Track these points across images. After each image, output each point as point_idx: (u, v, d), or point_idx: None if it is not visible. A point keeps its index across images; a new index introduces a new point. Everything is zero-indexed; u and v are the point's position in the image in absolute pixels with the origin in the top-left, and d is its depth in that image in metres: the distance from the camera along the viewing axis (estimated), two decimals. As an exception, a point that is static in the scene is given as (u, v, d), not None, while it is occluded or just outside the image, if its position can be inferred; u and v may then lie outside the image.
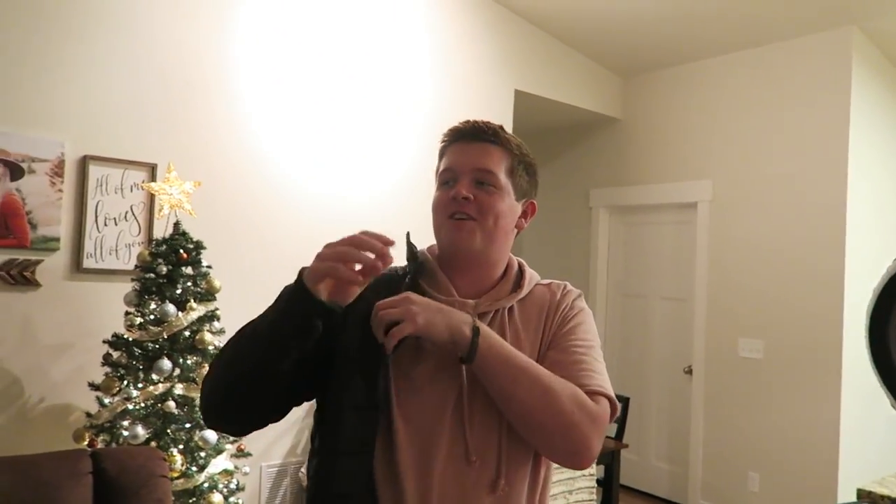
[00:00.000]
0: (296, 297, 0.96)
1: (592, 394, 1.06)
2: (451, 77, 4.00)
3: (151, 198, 2.97)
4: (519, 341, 1.12)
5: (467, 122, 1.20)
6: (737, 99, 4.31)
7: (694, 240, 4.51)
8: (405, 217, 3.82)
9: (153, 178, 2.97)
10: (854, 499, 2.68)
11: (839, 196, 3.81)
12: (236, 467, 2.73)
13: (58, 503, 1.73)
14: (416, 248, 1.20)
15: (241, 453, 2.78)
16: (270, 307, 1.02)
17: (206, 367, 2.59)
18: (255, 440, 2.86)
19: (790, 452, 3.93)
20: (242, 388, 1.01)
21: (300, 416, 3.46)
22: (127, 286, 2.85)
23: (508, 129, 4.24)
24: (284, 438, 3.41)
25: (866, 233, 3.93)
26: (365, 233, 0.98)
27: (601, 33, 4.34)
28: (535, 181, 1.23)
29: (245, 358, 1.01)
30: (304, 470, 3.36)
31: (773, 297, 4.02)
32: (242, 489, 2.78)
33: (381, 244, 0.97)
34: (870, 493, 2.21)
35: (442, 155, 1.20)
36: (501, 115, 4.22)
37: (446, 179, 1.17)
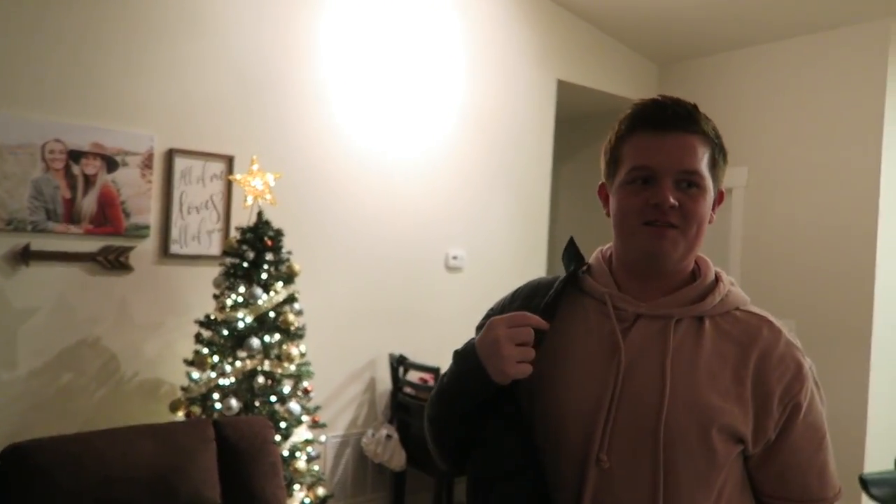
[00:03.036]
0: (481, 386, 1.01)
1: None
2: (494, 67, 4.16)
3: (229, 187, 3.19)
4: (696, 364, 0.99)
5: (656, 101, 1.03)
6: (772, 88, 4.44)
7: (728, 225, 4.67)
8: (470, 208, 4.04)
9: (231, 169, 3.18)
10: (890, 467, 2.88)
11: (872, 186, 3.96)
12: (314, 438, 2.97)
13: (191, 465, 1.97)
14: (578, 251, 1.17)
15: (316, 424, 3.03)
16: (454, 378, 1.07)
17: (291, 346, 2.83)
18: (321, 414, 3.10)
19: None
20: (451, 446, 1.11)
21: (360, 391, 3.70)
22: (208, 270, 3.10)
23: (551, 120, 4.43)
24: (347, 412, 3.65)
25: (897, 220, 4.09)
26: (525, 317, 1.00)
27: (638, 20, 4.47)
28: (725, 165, 1.06)
29: (444, 429, 1.11)
30: (364, 440, 3.61)
31: (805, 281, 4.19)
32: (318, 457, 3.03)
33: (539, 326, 1.00)
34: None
35: (622, 141, 1.05)
36: (544, 105, 4.39)
37: (637, 178, 1.01)
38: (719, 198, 1.06)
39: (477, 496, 1.04)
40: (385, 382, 3.77)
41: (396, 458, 3.50)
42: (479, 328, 1.11)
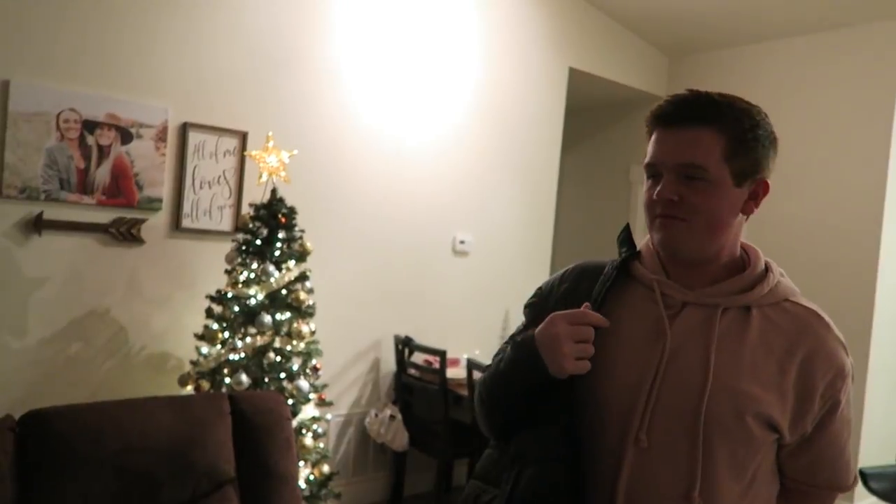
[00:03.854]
0: (537, 377, 1.03)
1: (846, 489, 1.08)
2: (507, 53, 4.15)
3: (242, 164, 3.18)
4: (740, 354, 1.01)
5: (673, 98, 1.04)
6: (781, 84, 4.45)
7: (732, 219, 4.70)
8: (477, 185, 4.04)
9: (244, 145, 3.17)
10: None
11: (878, 187, 3.99)
12: (321, 416, 2.99)
13: (208, 437, 1.98)
14: (630, 236, 1.17)
15: (322, 402, 3.04)
16: (511, 364, 1.09)
17: (301, 324, 2.84)
18: (326, 392, 3.11)
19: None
20: (500, 424, 1.14)
21: (364, 371, 3.72)
22: (218, 246, 3.10)
23: (561, 107, 4.43)
24: (350, 391, 3.67)
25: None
26: (585, 315, 1.03)
27: (651, 12, 4.47)
28: (765, 155, 1.04)
29: (495, 410, 1.14)
30: (368, 420, 3.63)
31: (807, 279, 4.20)
32: (324, 435, 3.05)
33: (599, 324, 1.03)
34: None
35: (649, 140, 1.06)
36: (555, 93, 4.39)
37: (650, 174, 1.05)
38: (762, 189, 1.05)
39: (511, 469, 1.06)
40: (389, 363, 3.79)
41: (399, 438, 3.53)
42: (527, 306, 1.15)
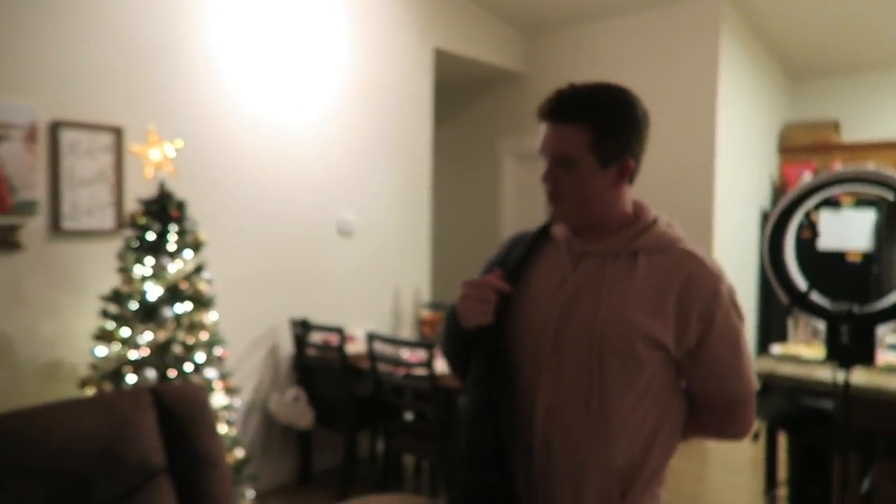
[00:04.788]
0: (459, 334, 1.33)
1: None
2: (374, 35, 4.28)
3: (120, 159, 3.10)
4: (628, 290, 1.22)
5: (551, 96, 1.24)
6: (626, 57, 4.92)
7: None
8: (340, 165, 4.15)
9: (121, 140, 3.10)
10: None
11: (709, 147, 4.56)
12: (230, 404, 3.03)
13: (137, 434, 2.01)
14: None
15: (230, 390, 3.09)
16: (446, 324, 1.40)
17: (203, 315, 2.87)
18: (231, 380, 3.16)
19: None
20: (465, 373, 1.40)
21: (263, 356, 3.78)
22: (104, 245, 3.05)
23: (429, 87, 4.62)
24: (251, 378, 3.71)
25: (731, 178, 4.73)
26: (488, 282, 1.29)
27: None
28: (627, 140, 1.24)
29: (453, 362, 1.45)
30: (272, 404, 3.70)
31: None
32: (234, 422, 3.11)
33: (503, 289, 1.29)
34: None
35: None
36: (422, 73, 4.58)
37: (541, 155, 1.28)
38: (626, 168, 1.25)
39: (460, 433, 1.32)
40: (287, 347, 3.87)
41: (305, 418, 3.64)
42: (481, 274, 1.40)
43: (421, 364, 3.25)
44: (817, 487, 2.94)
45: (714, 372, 1.27)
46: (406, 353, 3.50)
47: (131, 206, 3.06)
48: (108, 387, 2.76)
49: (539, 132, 1.27)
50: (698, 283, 1.23)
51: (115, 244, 3.03)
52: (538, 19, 5.16)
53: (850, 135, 5.53)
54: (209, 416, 2.24)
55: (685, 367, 1.28)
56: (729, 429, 1.35)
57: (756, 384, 1.31)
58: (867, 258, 4.70)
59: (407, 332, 4.43)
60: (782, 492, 3.31)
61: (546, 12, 5.01)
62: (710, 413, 1.33)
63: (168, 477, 2.08)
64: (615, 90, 1.26)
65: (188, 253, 2.87)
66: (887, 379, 2.61)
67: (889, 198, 1.99)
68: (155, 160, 2.87)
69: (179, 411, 2.16)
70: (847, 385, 2.04)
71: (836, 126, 5.53)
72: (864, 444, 2.50)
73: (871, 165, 2.28)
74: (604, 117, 1.22)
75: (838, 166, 5.23)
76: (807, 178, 5.18)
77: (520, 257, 1.35)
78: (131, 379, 2.74)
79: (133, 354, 2.73)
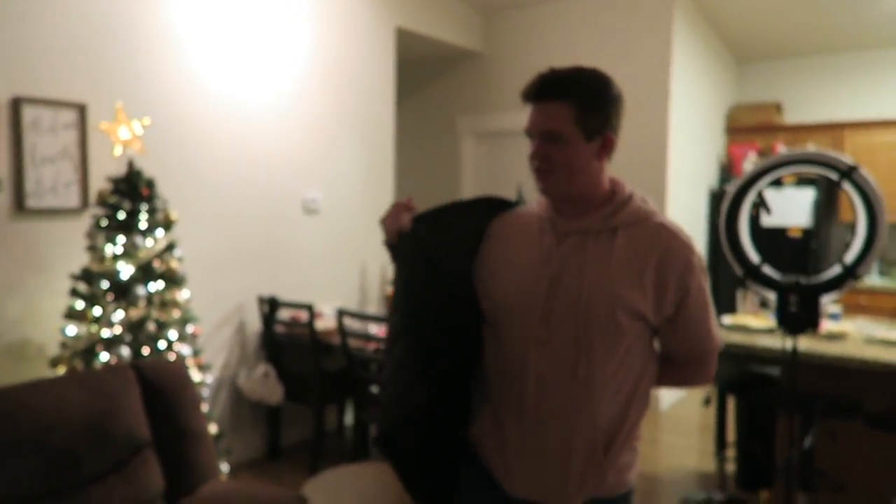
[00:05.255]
0: (390, 249, 1.48)
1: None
2: (337, 13, 4.28)
3: (84, 136, 3.07)
4: (609, 265, 1.32)
5: (535, 79, 1.33)
6: (582, 39, 5.04)
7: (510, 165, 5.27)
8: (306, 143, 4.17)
9: (84, 117, 3.05)
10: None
11: (662, 127, 4.73)
12: (202, 381, 3.07)
13: (122, 408, 2.05)
14: (522, 195, 1.52)
15: (202, 367, 3.12)
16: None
17: (175, 293, 2.89)
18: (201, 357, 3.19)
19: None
20: None
21: (231, 334, 3.80)
22: (70, 224, 3.03)
23: (392, 65, 4.66)
24: (219, 354, 3.73)
25: (683, 158, 4.93)
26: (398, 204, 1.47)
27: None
28: (607, 115, 1.33)
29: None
30: (241, 381, 3.74)
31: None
32: (206, 399, 3.14)
33: (404, 205, 1.45)
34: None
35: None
36: (385, 51, 4.61)
37: (529, 137, 1.37)
38: (608, 142, 1.35)
39: (390, 350, 1.47)
40: (254, 324, 3.90)
41: (275, 393, 3.69)
42: None
43: (391, 338, 3.33)
44: (761, 446, 3.16)
45: (690, 333, 1.41)
46: (374, 328, 3.58)
47: (97, 184, 3.04)
48: (79, 365, 2.76)
49: (529, 115, 1.35)
50: (674, 255, 1.34)
51: (82, 223, 3.01)
52: (497, 0, 5.23)
53: (792, 116, 5.81)
54: (192, 390, 2.30)
55: (664, 331, 1.41)
56: (697, 378, 1.51)
57: (721, 339, 1.46)
58: (806, 233, 4.98)
59: (374, 308, 4.50)
60: (731, 453, 3.55)
61: (505, -7, 5.08)
62: (682, 366, 1.48)
63: (154, 450, 2.14)
64: (592, 70, 1.36)
65: (160, 231, 2.88)
66: (826, 345, 2.83)
67: (833, 177, 2.16)
68: (123, 138, 2.85)
69: (163, 386, 2.22)
70: (795, 350, 2.22)
71: (778, 108, 5.80)
72: (805, 405, 2.71)
73: (811, 147, 2.45)
74: (585, 93, 1.31)
75: (781, 146, 5.51)
76: (752, 158, 5.44)
77: (473, 223, 1.48)
78: (104, 357, 2.75)
79: (106, 333, 2.74)
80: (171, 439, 2.17)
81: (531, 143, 1.36)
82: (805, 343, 2.77)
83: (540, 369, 1.35)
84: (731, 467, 3.56)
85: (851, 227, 2.33)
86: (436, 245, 1.42)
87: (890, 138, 5.21)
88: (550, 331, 1.34)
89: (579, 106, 1.30)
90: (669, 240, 1.35)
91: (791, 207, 5.08)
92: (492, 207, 1.52)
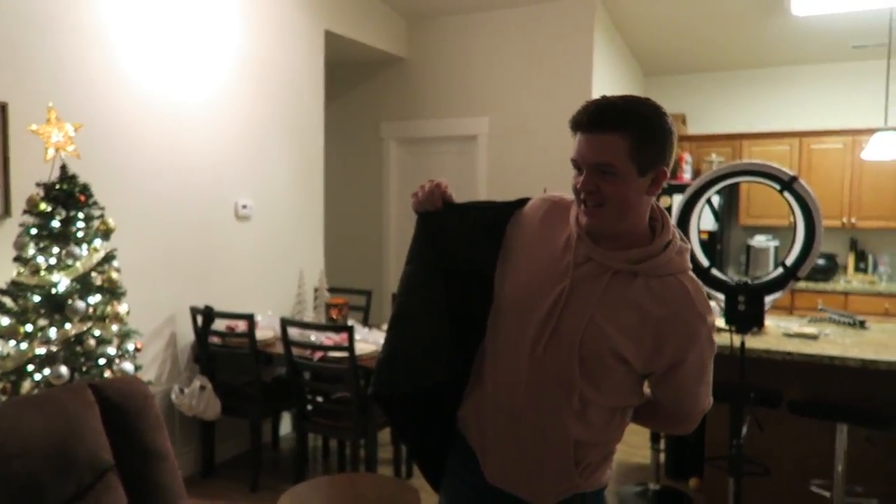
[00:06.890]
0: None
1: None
2: (266, 15, 4.18)
3: (5, 139, 2.83)
4: (617, 307, 1.28)
5: (587, 107, 1.26)
6: (507, 47, 5.17)
7: (475, 168, 5.38)
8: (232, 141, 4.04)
9: (5, 117, 2.82)
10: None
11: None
12: (142, 396, 2.90)
13: (82, 430, 1.91)
14: None
15: (148, 383, 2.95)
16: None
17: (116, 305, 2.73)
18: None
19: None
20: None
21: (161, 348, 3.62)
22: (-10, 232, 2.78)
23: (321, 68, 4.60)
24: (150, 369, 3.54)
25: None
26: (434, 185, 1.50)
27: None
28: (661, 148, 1.25)
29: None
30: (174, 396, 3.56)
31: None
32: (145, 415, 2.97)
33: (442, 189, 1.49)
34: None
35: (574, 139, 1.29)
36: (314, 54, 4.54)
37: (575, 167, 1.29)
38: (661, 176, 1.27)
39: (400, 300, 1.54)
40: (186, 336, 3.73)
41: (212, 407, 3.54)
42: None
43: (339, 347, 3.29)
44: (693, 436, 3.37)
45: (677, 393, 1.40)
46: (314, 337, 3.51)
47: (22, 190, 2.81)
48: (7, 387, 2.55)
49: (575, 143, 1.29)
50: (682, 323, 1.29)
51: (5, 231, 2.78)
52: (421, 6, 5.27)
53: (695, 127, 6.21)
54: (153, 409, 2.18)
55: (652, 380, 1.40)
56: (676, 429, 1.53)
57: (710, 402, 1.43)
58: (711, 236, 5.34)
59: (310, 316, 4.41)
60: (662, 444, 3.75)
61: (429, 0, 5.13)
62: (665, 416, 1.47)
63: (118, 472, 2.01)
64: (646, 101, 1.29)
65: (97, 241, 2.70)
66: (750, 340, 3.06)
67: (776, 187, 2.35)
68: (55, 141, 2.66)
69: (124, 406, 2.09)
70: (744, 347, 2.40)
71: (683, 119, 6.18)
72: (738, 396, 2.92)
73: (758, 160, 2.65)
74: (642, 125, 1.24)
75: (686, 156, 5.88)
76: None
77: (493, 218, 1.49)
78: (37, 377, 2.55)
79: (41, 350, 2.54)
80: (134, 461, 2.04)
81: (576, 174, 1.29)
82: (736, 340, 2.98)
83: (528, 378, 1.35)
84: (664, 458, 3.76)
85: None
86: (454, 236, 1.47)
87: (782, 148, 5.69)
88: (545, 346, 1.33)
89: (635, 139, 1.23)
90: (685, 305, 1.30)
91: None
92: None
